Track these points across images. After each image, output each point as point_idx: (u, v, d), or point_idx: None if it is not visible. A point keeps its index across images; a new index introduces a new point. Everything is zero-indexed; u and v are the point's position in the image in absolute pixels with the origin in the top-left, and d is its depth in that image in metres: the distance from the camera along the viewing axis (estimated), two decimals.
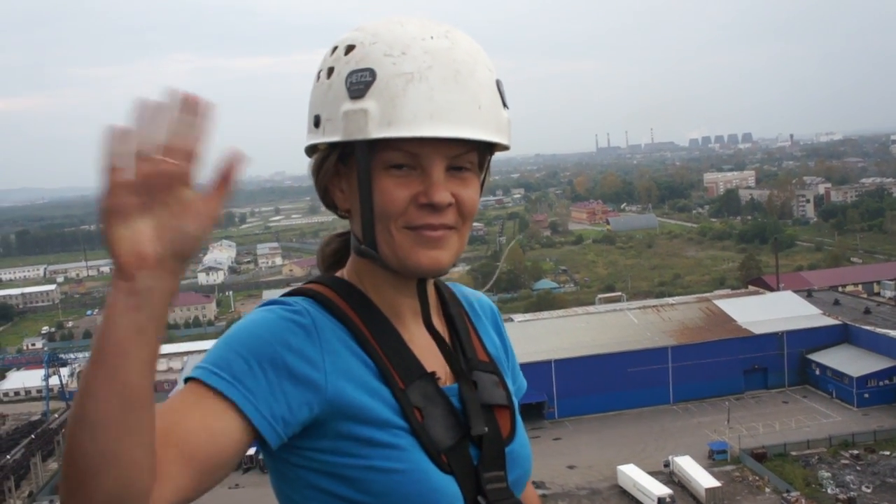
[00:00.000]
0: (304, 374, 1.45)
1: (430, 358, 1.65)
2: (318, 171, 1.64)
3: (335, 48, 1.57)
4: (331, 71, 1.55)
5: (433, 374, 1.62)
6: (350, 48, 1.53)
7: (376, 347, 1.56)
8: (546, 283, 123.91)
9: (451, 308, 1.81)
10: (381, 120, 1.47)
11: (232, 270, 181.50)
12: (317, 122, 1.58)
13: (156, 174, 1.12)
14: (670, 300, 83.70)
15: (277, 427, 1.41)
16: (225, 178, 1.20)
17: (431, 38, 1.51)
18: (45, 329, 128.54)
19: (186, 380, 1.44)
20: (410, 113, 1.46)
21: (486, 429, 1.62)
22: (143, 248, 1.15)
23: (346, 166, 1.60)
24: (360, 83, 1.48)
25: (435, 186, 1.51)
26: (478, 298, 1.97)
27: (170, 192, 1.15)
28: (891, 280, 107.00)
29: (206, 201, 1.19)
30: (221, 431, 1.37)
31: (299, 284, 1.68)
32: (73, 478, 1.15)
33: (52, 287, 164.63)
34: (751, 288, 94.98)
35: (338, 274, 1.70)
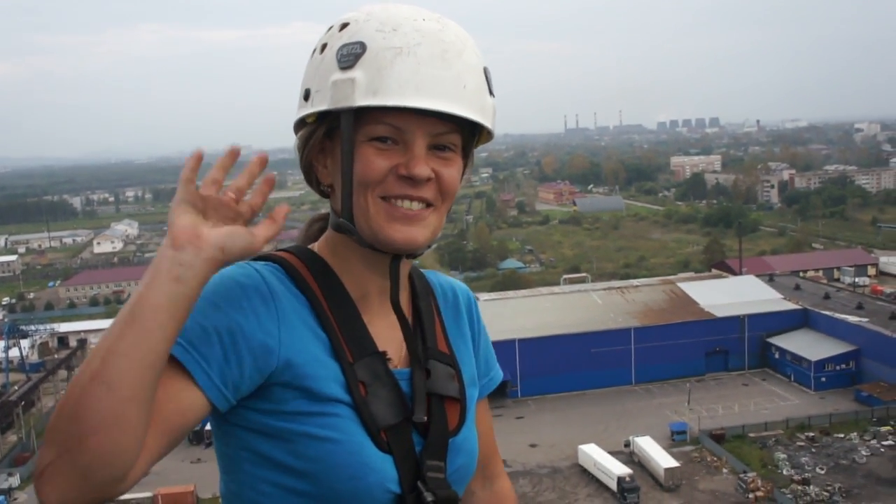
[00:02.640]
0: (258, 340, 1.46)
1: (388, 339, 1.65)
2: (304, 145, 1.66)
3: (331, 27, 1.62)
4: (324, 47, 1.59)
5: (384, 353, 1.62)
6: (344, 25, 1.57)
7: (332, 320, 1.57)
8: (512, 263, 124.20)
9: (420, 297, 1.81)
10: (367, 89, 1.50)
11: None
12: (306, 95, 1.60)
13: (216, 200, 1.39)
14: (635, 282, 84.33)
15: (228, 393, 1.44)
16: (271, 217, 1.41)
17: (423, 20, 1.54)
18: (5, 300, 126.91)
19: None
20: (396, 83, 1.49)
21: (425, 417, 1.62)
22: (198, 229, 1.33)
23: (331, 141, 1.62)
24: (351, 55, 1.52)
25: (416, 159, 1.53)
26: (453, 287, 1.97)
27: (227, 214, 1.39)
28: (850, 266, 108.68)
29: (257, 228, 1.39)
30: (188, 404, 1.40)
31: (270, 250, 1.66)
32: (72, 434, 1.20)
33: (14, 258, 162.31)
34: (714, 271, 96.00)
35: (310, 247, 1.72)
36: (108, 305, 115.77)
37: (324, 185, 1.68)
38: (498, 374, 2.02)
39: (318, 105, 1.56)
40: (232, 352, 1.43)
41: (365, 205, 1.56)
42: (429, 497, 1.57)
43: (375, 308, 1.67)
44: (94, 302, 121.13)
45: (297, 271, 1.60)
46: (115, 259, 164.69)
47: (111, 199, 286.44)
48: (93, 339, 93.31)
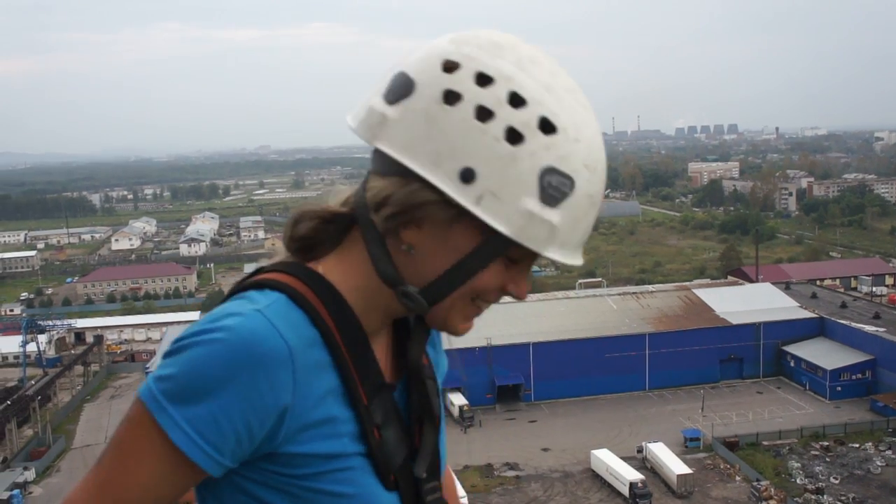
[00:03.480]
0: (273, 413, 1.34)
1: (383, 357, 1.57)
2: (419, 204, 1.38)
3: (486, 78, 1.34)
4: (515, 137, 1.32)
5: (392, 385, 1.55)
6: (548, 128, 1.33)
7: (347, 361, 1.44)
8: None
9: None
10: (559, 240, 1.36)
11: (214, 243, 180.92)
12: (467, 177, 1.33)
13: None
14: (650, 287, 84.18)
15: (226, 463, 1.35)
16: None
17: (599, 148, 1.40)
18: (23, 295, 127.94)
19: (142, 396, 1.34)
20: (579, 240, 1.40)
21: (424, 474, 1.56)
22: None
23: (454, 223, 1.39)
24: (559, 192, 1.34)
25: (524, 285, 1.47)
26: None
27: None
28: (868, 275, 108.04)
29: None
30: (179, 486, 1.36)
31: (270, 263, 1.53)
32: None
33: (33, 253, 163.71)
34: (730, 278, 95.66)
35: (316, 267, 1.51)
36: (125, 302, 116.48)
37: (403, 244, 1.42)
38: (445, 364, 1.86)
39: (493, 217, 1.33)
40: (246, 438, 1.33)
41: (457, 304, 1.45)
42: None
43: (373, 325, 1.54)
44: (111, 298, 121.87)
45: (311, 307, 1.41)
46: (133, 256, 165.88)
47: (130, 196, 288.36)
48: (109, 336, 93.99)
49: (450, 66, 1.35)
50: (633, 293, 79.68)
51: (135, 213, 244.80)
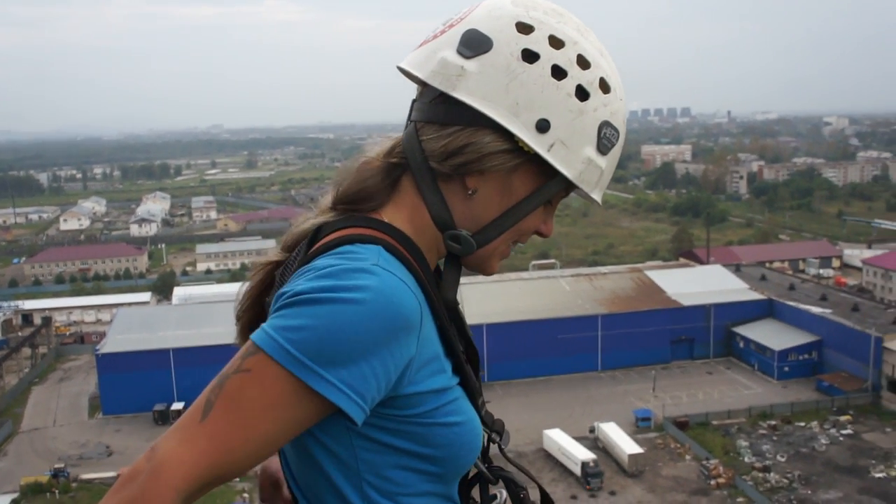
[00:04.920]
0: (405, 361, 1.41)
1: None
2: (491, 153, 1.52)
3: (561, 45, 1.52)
4: (583, 94, 1.53)
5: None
6: (586, 64, 1.53)
7: (435, 301, 1.53)
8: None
9: None
10: (602, 184, 1.60)
11: (165, 223, 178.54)
12: (543, 127, 1.51)
13: None
14: (603, 269, 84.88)
15: (367, 410, 1.39)
16: None
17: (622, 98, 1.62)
18: None
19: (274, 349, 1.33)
20: (607, 182, 1.63)
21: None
22: None
23: (512, 171, 1.57)
24: (610, 142, 1.56)
25: (552, 224, 1.68)
26: None
27: None
28: (815, 258, 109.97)
29: None
30: (297, 433, 1.41)
31: (331, 219, 1.58)
32: None
33: None
34: (682, 260, 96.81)
35: (382, 217, 1.59)
36: (74, 283, 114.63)
37: (469, 187, 1.56)
38: None
39: (562, 164, 1.53)
40: (384, 387, 1.39)
41: (501, 244, 1.62)
42: (492, 433, 1.72)
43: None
44: (59, 279, 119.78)
45: (403, 255, 1.49)
46: (82, 236, 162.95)
47: (79, 175, 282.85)
48: (58, 317, 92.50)
49: (524, 28, 1.50)
50: (586, 275, 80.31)
51: (84, 192, 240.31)
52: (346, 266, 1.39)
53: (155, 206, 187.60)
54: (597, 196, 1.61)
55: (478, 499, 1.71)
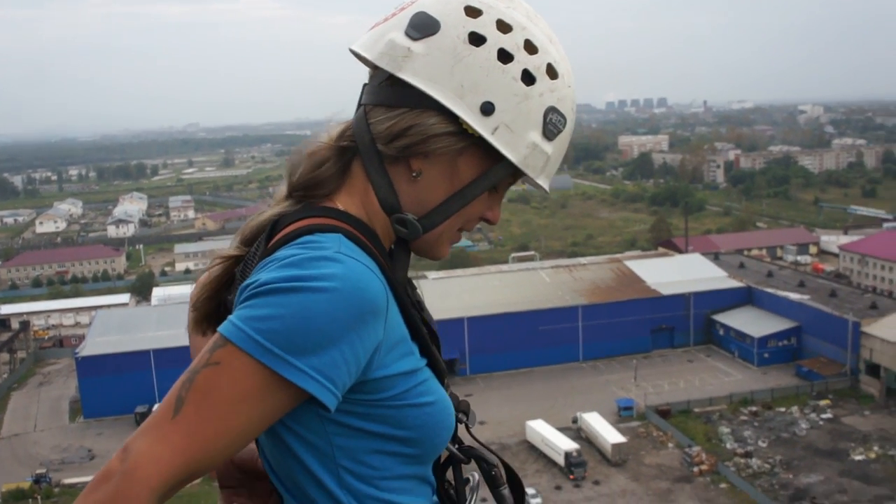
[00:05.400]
0: (373, 346, 1.42)
1: None
2: (436, 135, 1.53)
3: (508, 28, 1.54)
4: (528, 78, 1.53)
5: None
6: (532, 48, 1.54)
7: (395, 284, 1.53)
8: (460, 242, 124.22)
9: None
10: (548, 170, 1.60)
11: (143, 223, 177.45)
12: (487, 110, 1.52)
13: None
14: (582, 260, 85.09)
15: (339, 395, 1.40)
16: None
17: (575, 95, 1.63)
18: None
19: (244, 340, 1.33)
20: (554, 170, 1.63)
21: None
22: None
23: (457, 154, 1.57)
24: (556, 127, 1.57)
25: (499, 212, 1.67)
26: None
27: None
28: (793, 245, 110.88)
29: None
30: (271, 422, 1.40)
31: (286, 211, 1.59)
32: None
33: None
34: (660, 250, 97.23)
35: (335, 205, 1.60)
36: (52, 286, 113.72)
37: (413, 169, 1.57)
38: None
39: (505, 147, 1.53)
40: (354, 373, 1.40)
41: (447, 229, 1.62)
42: (459, 413, 1.71)
43: None
44: (36, 283, 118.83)
45: (363, 242, 1.50)
46: (59, 239, 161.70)
47: (54, 177, 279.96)
48: (36, 321, 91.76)
49: (472, 12, 1.52)
50: (566, 266, 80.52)
51: (60, 194, 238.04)
52: (309, 255, 1.39)
53: (132, 206, 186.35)
54: (543, 183, 1.60)
55: (452, 481, 1.71)
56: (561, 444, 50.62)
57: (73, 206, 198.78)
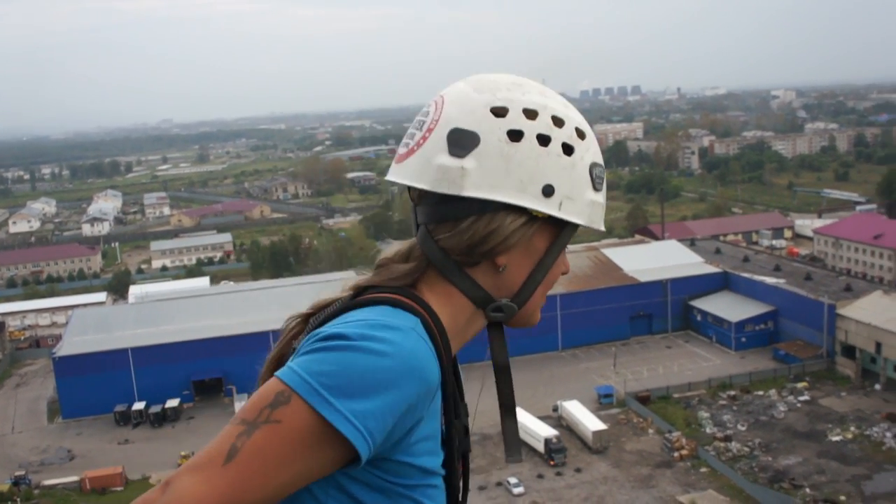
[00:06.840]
0: (411, 419, 1.48)
1: None
2: (513, 231, 1.65)
3: (559, 121, 1.67)
4: (568, 149, 1.67)
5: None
6: (581, 134, 1.70)
7: (448, 388, 1.63)
8: None
9: None
10: (602, 215, 1.75)
11: (118, 221, 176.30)
12: (548, 192, 1.65)
13: None
14: None
15: (372, 447, 1.43)
16: None
17: None
18: None
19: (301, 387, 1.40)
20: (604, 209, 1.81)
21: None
22: None
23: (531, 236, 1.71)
24: (600, 178, 1.72)
25: (567, 261, 1.81)
26: None
27: None
28: (768, 229, 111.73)
29: None
30: (315, 478, 1.46)
31: (397, 294, 1.62)
32: None
33: None
34: (637, 237, 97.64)
35: (421, 295, 1.68)
36: (27, 286, 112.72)
37: (499, 266, 1.68)
38: None
39: (572, 215, 1.68)
40: (387, 438, 1.45)
41: (540, 298, 1.75)
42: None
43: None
44: (11, 283, 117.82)
45: (434, 334, 1.58)
46: (33, 238, 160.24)
47: (26, 176, 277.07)
48: (11, 322, 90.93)
49: (499, 111, 1.63)
50: None
51: (32, 193, 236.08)
52: (382, 321, 1.48)
53: (106, 204, 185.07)
54: (601, 227, 1.77)
55: None
56: (541, 431, 50.89)
57: (46, 205, 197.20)
